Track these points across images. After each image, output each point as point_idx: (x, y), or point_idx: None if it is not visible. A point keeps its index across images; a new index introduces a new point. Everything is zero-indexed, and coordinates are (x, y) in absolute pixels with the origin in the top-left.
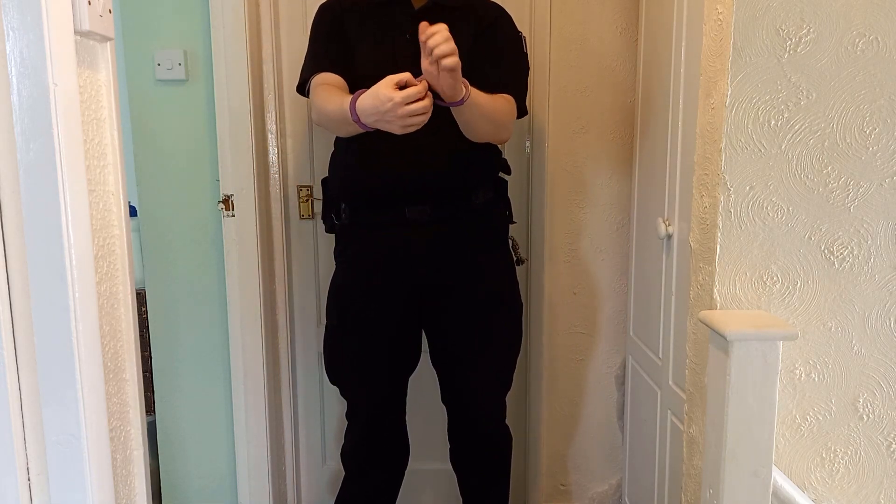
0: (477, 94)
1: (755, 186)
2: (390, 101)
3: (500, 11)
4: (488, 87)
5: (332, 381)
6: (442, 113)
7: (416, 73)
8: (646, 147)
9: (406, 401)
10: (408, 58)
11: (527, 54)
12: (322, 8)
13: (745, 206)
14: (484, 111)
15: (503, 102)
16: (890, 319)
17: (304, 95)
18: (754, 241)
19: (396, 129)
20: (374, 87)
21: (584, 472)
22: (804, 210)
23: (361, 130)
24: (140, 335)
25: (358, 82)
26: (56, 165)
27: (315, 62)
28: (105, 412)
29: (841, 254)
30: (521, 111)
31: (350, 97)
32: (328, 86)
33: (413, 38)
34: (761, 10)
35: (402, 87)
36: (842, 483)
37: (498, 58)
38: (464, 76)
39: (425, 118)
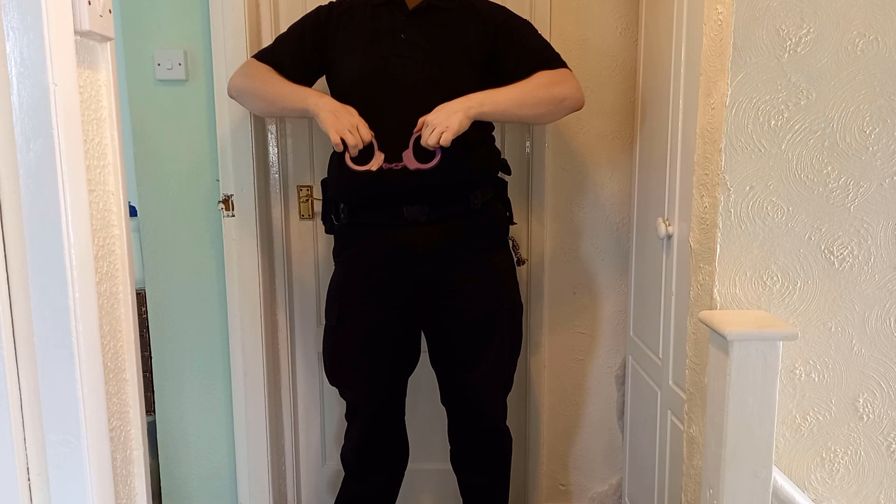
0: (496, 100)
1: (755, 186)
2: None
3: (507, 11)
4: (529, 74)
5: (332, 382)
6: None
7: (411, 72)
8: (646, 147)
9: (405, 401)
10: (401, 58)
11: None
12: (317, 10)
13: (745, 206)
14: (518, 103)
15: (542, 80)
16: (890, 319)
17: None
18: (754, 241)
19: (330, 126)
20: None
21: (584, 472)
22: (804, 210)
23: (289, 107)
24: (140, 335)
25: (354, 82)
26: (56, 165)
27: (278, 52)
28: (105, 412)
29: (841, 254)
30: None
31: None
32: (276, 75)
33: (407, 38)
34: (761, 10)
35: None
36: (842, 483)
37: (523, 47)
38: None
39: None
